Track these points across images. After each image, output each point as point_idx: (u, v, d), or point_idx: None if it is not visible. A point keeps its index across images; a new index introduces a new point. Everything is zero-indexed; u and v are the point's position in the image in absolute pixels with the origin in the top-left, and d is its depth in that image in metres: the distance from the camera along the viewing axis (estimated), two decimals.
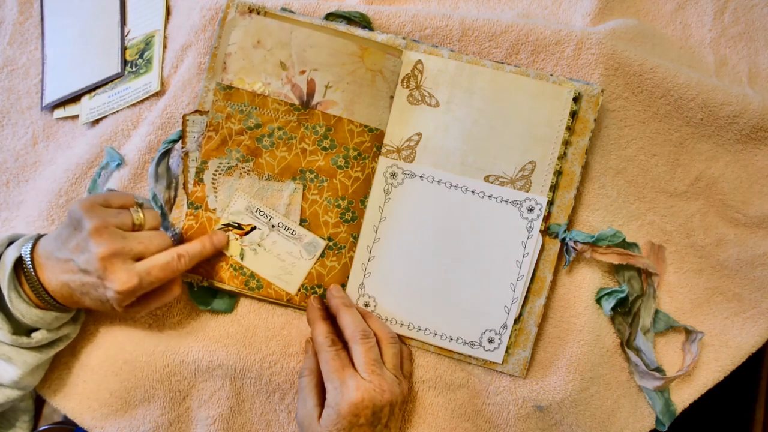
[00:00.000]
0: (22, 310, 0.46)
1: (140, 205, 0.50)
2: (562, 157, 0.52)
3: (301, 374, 0.50)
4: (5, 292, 0.46)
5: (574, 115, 0.52)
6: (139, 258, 0.47)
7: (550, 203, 0.52)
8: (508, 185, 0.52)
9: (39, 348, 0.48)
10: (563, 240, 0.52)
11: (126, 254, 0.46)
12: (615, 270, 0.54)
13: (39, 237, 0.49)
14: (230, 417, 0.53)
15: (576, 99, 0.52)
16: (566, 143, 0.52)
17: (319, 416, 0.47)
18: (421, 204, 0.52)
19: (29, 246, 0.47)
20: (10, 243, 0.49)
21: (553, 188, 0.52)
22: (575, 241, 0.52)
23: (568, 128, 0.52)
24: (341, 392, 0.46)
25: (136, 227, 0.49)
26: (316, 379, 0.49)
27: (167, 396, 0.53)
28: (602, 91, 0.52)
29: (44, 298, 0.46)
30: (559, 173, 0.52)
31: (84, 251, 0.45)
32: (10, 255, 0.46)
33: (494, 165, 0.52)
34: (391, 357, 0.49)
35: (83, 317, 0.52)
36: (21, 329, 0.47)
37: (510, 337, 0.52)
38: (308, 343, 0.52)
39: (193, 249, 0.49)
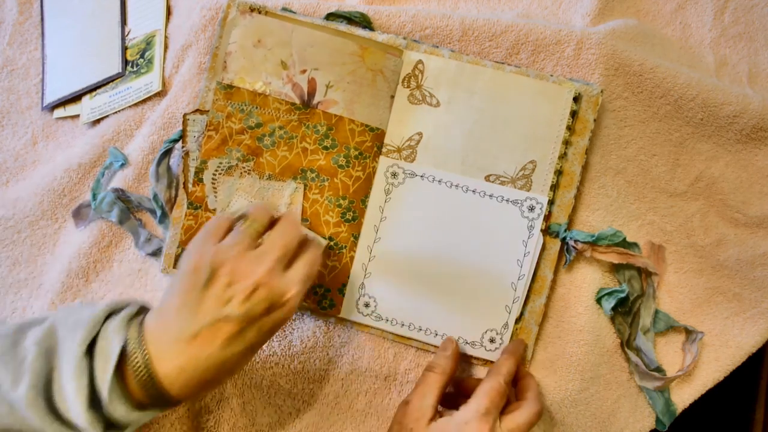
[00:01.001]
0: (120, 413, 0.38)
1: (238, 218, 0.45)
2: (562, 156, 0.52)
3: (430, 368, 0.48)
4: (104, 396, 0.38)
5: (574, 114, 0.52)
6: (285, 262, 0.43)
7: (551, 203, 0.52)
8: (508, 185, 0.52)
9: None
10: (563, 239, 0.52)
11: (276, 264, 0.42)
12: (615, 270, 0.54)
13: (142, 311, 0.42)
14: (230, 418, 0.53)
15: (576, 99, 0.52)
16: (566, 143, 0.52)
17: (432, 418, 0.44)
18: (422, 203, 0.52)
19: (135, 328, 0.40)
20: (108, 316, 0.41)
21: (554, 188, 0.52)
22: (575, 241, 0.52)
23: (569, 128, 0.52)
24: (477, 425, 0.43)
25: (256, 233, 0.44)
26: (445, 380, 0.47)
27: None
28: (602, 91, 0.52)
29: (155, 393, 0.39)
30: (559, 173, 0.52)
31: (232, 296, 0.40)
32: (115, 345, 0.39)
33: (495, 164, 0.52)
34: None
35: None
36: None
37: (512, 337, 0.52)
38: (450, 342, 0.50)
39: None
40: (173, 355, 0.39)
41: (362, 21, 0.54)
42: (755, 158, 0.56)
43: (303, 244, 0.45)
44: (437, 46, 0.54)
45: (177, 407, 0.48)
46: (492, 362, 0.52)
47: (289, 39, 0.52)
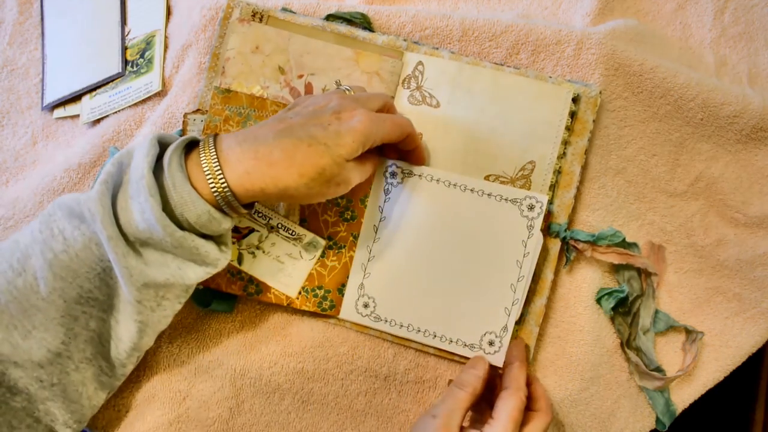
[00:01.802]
0: (187, 198, 0.39)
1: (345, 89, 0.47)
2: (561, 156, 0.52)
3: (461, 385, 0.47)
4: (165, 160, 0.39)
5: (573, 115, 0.52)
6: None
7: (551, 203, 0.52)
8: (508, 184, 0.52)
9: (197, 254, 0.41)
10: (564, 239, 0.52)
11: (359, 100, 0.44)
12: (615, 270, 0.54)
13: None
14: (230, 418, 0.53)
15: (575, 100, 0.52)
16: (565, 143, 0.52)
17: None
18: (421, 203, 0.52)
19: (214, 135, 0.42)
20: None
21: (553, 188, 0.52)
22: (576, 240, 0.52)
23: (567, 128, 0.52)
24: None
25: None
26: (473, 400, 0.46)
27: (167, 396, 0.53)
28: (600, 92, 0.52)
29: (214, 173, 0.39)
30: (558, 173, 0.52)
31: (309, 106, 0.42)
32: (189, 136, 0.42)
33: (494, 165, 0.52)
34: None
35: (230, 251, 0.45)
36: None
37: (513, 340, 0.52)
38: (482, 361, 0.49)
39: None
40: (236, 138, 0.41)
41: (362, 22, 0.54)
42: (755, 158, 0.56)
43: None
44: (437, 48, 0.54)
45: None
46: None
47: (286, 46, 0.52)
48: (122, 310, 0.43)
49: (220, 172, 0.40)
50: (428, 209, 0.52)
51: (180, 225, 0.40)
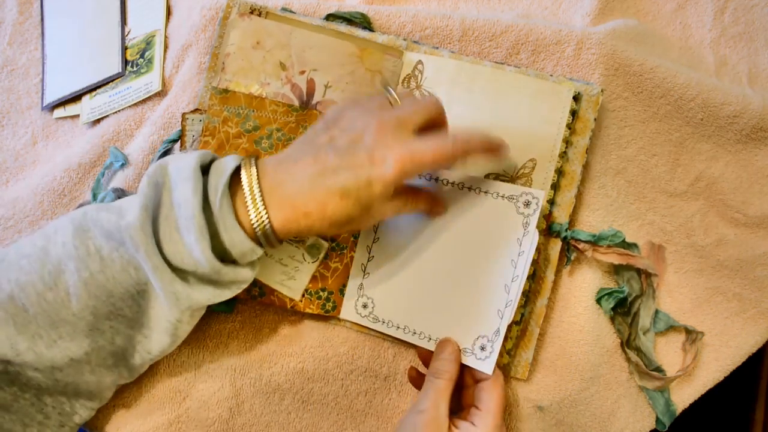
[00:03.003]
0: (230, 227, 0.40)
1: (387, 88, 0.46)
2: (562, 155, 0.52)
3: (438, 374, 0.47)
4: (215, 203, 0.40)
5: (574, 114, 0.52)
6: (410, 130, 0.42)
7: (552, 203, 0.52)
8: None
9: (218, 284, 0.43)
10: (565, 239, 0.52)
11: (397, 123, 0.42)
12: (615, 270, 0.54)
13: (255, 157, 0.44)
14: (230, 418, 0.53)
15: (576, 98, 0.52)
16: (567, 142, 0.52)
17: (449, 429, 0.45)
18: None
19: (252, 158, 0.42)
20: (211, 161, 0.43)
21: (555, 187, 0.52)
22: (577, 240, 0.52)
23: (569, 127, 0.52)
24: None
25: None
26: (453, 385, 0.47)
27: (167, 396, 0.53)
28: (602, 91, 0.52)
29: (260, 216, 0.41)
30: (560, 172, 0.52)
31: (346, 132, 0.42)
32: (230, 164, 0.41)
33: (495, 163, 0.52)
34: None
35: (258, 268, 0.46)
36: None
37: (513, 340, 0.51)
38: (449, 343, 0.49)
39: (470, 139, 0.44)
40: (275, 174, 0.42)
41: (362, 22, 0.54)
42: (755, 158, 0.56)
43: (440, 130, 0.45)
44: (437, 47, 0.54)
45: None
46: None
47: (287, 41, 0.52)
48: (155, 327, 0.45)
49: (267, 218, 0.41)
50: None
51: (223, 257, 0.42)
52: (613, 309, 0.53)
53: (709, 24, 0.61)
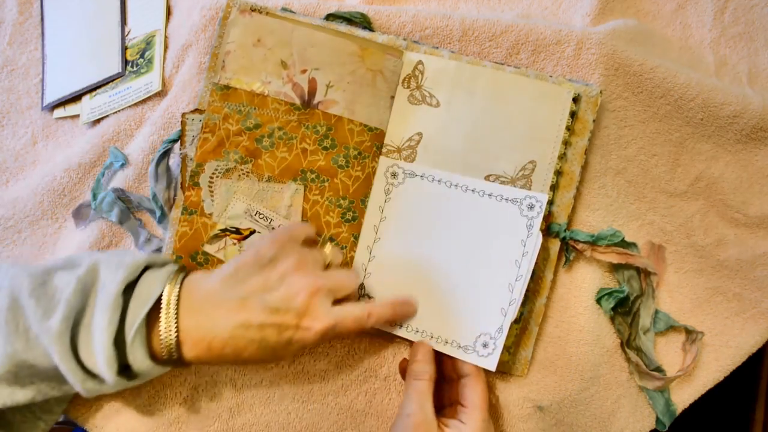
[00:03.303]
0: (138, 357, 0.41)
1: (321, 240, 0.50)
2: (562, 156, 0.52)
3: (418, 377, 0.48)
4: (129, 336, 0.40)
5: (573, 115, 0.52)
6: (333, 300, 0.44)
7: (551, 203, 0.52)
8: (508, 184, 0.52)
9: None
10: (563, 239, 0.52)
11: (327, 292, 0.44)
12: (615, 270, 0.54)
13: (184, 271, 0.45)
14: (230, 418, 0.53)
15: (575, 99, 0.52)
16: (566, 143, 0.52)
17: (439, 426, 0.45)
18: (422, 204, 0.52)
19: (178, 285, 0.42)
20: (147, 268, 0.44)
21: (554, 188, 0.52)
22: (576, 240, 0.52)
23: (568, 128, 0.52)
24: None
25: (326, 266, 0.47)
26: (433, 385, 0.47)
27: (167, 396, 0.53)
28: (601, 92, 0.52)
29: (170, 350, 0.41)
30: (559, 173, 0.52)
31: (278, 288, 0.42)
32: (154, 291, 0.42)
33: (495, 164, 0.52)
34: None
35: None
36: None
37: (512, 338, 0.52)
38: (423, 345, 0.50)
39: (383, 312, 0.47)
40: (196, 311, 0.42)
41: (362, 21, 0.54)
42: (755, 158, 0.56)
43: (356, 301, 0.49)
44: (437, 47, 0.54)
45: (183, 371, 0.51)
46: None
47: (289, 39, 0.52)
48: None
49: (178, 353, 0.42)
50: (429, 210, 0.52)
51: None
52: (613, 309, 0.53)
53: (709, 24, 0.61)
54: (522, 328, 0.52)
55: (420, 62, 0.53)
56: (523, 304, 0.52)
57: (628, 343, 0.54)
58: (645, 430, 0.55)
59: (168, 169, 0.54)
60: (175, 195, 0.54)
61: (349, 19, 0.54)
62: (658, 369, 0.54)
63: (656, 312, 0.55)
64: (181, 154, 0.53)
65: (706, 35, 0.61)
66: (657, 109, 0.55)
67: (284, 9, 0.54)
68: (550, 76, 0.52)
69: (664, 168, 0.56)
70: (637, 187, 0.56)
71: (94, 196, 0.54)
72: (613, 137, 0.54)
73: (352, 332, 0.45)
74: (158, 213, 0.53)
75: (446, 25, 0.54)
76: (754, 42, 0.61)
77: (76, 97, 0.59)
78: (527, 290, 0.52)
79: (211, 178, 0.52)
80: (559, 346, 0.53)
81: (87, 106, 0.58)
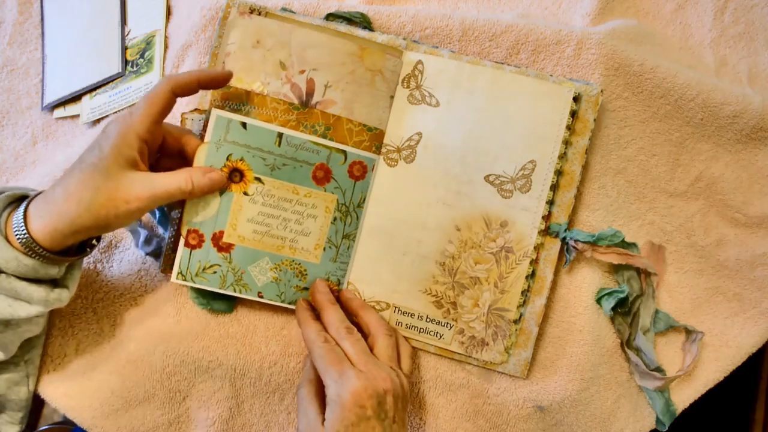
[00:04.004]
0: (5, 255, 0.43)
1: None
2: (562, 156, 0.52)
3: (299, 387, 0.48)
4: None
5: (574, 114, 0.52)
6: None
7: (551, 203, 0.52)
8: (508, 184, 0.52)
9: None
10: (564, 239, 0.52)
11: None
12: (615, 270, 0.54)
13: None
14: (230, 418, 0.53)
15: (576, 99, 0.52)
16: (566, 143, 0.52)
17: (323, 422, 0.44)
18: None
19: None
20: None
21: (554, 188, 0.52)
22: (576, 241, 0.52)
23: (568, 128, 0.52)
24: (341, 383, 0.43)
25: None
26: (315, 388, 0.47)
27: (167, 396, 0.53)
28: (602, 91, 0.52)
29: (20, 234, 0.43)
30: (559, 173, 0.52)
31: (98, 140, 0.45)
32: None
33: (495, 164, 0.52)
34: (385, 348, 0.48)
35: (75, 285, 0.49)
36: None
37: (510, 338, 0.52)
38: (306, 357, 0.51)
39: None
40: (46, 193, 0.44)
41: (362, 21, 0.54)
42: (755, 158, 0.56)
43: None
44: (437, 47, 0.54)
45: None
46: (491, 362, 0.52)
47: (287, 40, 0.52)
48: None
49: (23, 225, 0.43)
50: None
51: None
52: (613, 309, 0.53)
53: (709, 24, 0.61)
54: (521, 328, 0.52)
55: (420, 62, 0.53)
56: (523, 304, 0.52)
57: (628, 343, 0.54)
58: (645, 430, 0.55)
59: None
60: None
61: (349, 18, 0.54)
62: (658, 369, 0.54)
63: (656, 312, 0.55)
64: None
65: (706, 35, 0.61)
66: (657, 109, 0.55)
67: (284, 9, 0.54)
68: (551, 76, 0.52)
69: (664, 168, 0.56)
70: (637, 187, 0.56)
71: None
72: (613, 137, 0.54)
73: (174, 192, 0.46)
74: (158, 213, 0.53)
75: (446, 25, 0.54)
76: (754, 42, 0.61)
77: (76, 97, 0.59)
78: (527, 290, 0.52)
79: None
80: (559, 346, 0.53)
81: (87, 106, 0.59)
